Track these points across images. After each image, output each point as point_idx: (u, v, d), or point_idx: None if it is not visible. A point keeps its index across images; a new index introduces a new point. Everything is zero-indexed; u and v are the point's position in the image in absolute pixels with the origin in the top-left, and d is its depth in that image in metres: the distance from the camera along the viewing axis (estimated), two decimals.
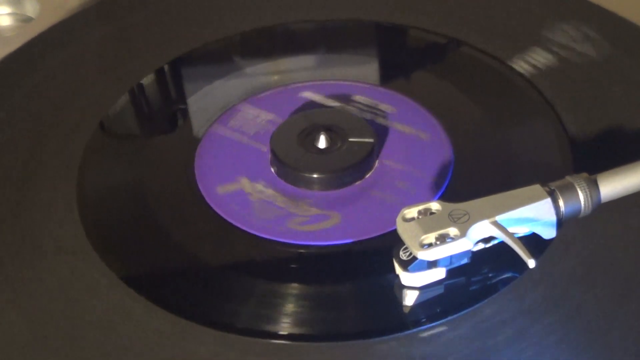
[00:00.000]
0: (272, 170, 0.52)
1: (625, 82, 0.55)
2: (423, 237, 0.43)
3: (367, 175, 0.51)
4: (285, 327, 0.44)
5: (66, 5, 0.68)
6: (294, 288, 0.46)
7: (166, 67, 0.61)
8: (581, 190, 0.44)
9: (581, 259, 0.45)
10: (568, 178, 0.45)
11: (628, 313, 0.43)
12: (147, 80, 0.60)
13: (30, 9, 0.70)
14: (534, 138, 0.53)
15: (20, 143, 0.55)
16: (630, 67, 0.56)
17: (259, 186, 0.51)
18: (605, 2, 0.60)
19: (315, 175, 0.51)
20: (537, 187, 0.45)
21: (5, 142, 0.55)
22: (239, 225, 0.49)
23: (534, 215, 0.44)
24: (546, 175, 0.46)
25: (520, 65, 0.57)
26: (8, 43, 0.64)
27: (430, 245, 0.43)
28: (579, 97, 0.55)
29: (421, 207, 0.45)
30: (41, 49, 0.62)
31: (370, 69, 0.61)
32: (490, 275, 0.45)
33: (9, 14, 0.70)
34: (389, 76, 0.60)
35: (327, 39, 0.63)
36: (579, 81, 0.56)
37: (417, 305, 0.44)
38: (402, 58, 0.63)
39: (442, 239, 0.43)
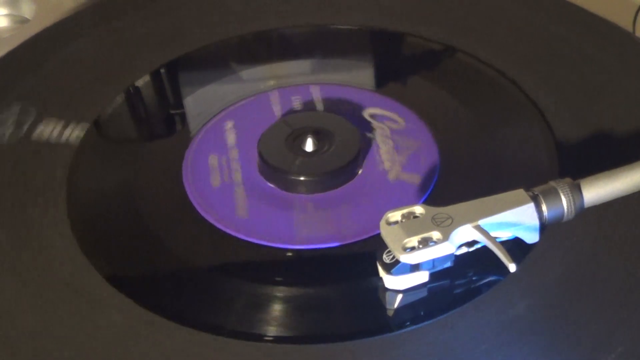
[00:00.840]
0: (259, 173, 0.52)
1: (613, 87, 0.56)
2: (406, 240, 0.43)
3: (353, 179, 0.52)
4: (271, 329, 0.44)
5: (62, 6, 0.69)
6: (280, 291, 0.46)
7: (161, 70, 0.61)
8: (564, 195, 0.45)
9: (563, 263, 0.45)
10: (551, 183, 0.45)
11: (610, 316, 0.43)
12: (142, 82, 0.60)
13: (27, 11, 0.70)
14: (521, 142, 0.54)
15: (13, 143, 0.55)
16: (618, 72, 0.56)
17: (247, 190, 0.52)
18: (594, 7, 0.61)
19: (302, 178, 0.51)
20: (520, 192, 0.45)
21: None
22: (226, 229, 0.49)
23: (517, 220, 0.44)
24: (533, 180, 0.46)
25: (508, 70, 0.58)
26: (4, 44, 0.64)
27: (413, 248, 0.43)
28: (566, 101, 0.55)
29: (405, 211, 0.45)
30: (37, 50, 0.62)
31: (360, 74, 0.61)
32: (473, 278, 0.45)
33: (5, 15, 0.71)
34: (377, 80, 0.61)
35: (322, 44, 0.64)
36: (567, 86, 0.56)
37: (400, 308, 0.45)
38: (389, 63, 0.63)
39: (425, 242, 0.43)
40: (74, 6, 0.69)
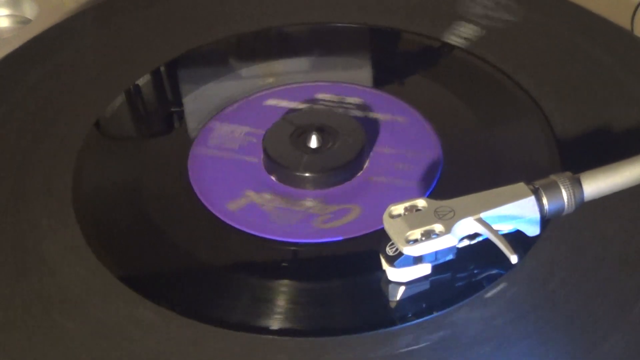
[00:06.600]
0: (265, 169, 0.53)
1: (612, 83, 0.56)
2: (409, 233, 0.44)
3: (357, 175, 0.52)
4: (275, 322, 0.45)
5: (64, 7, 0.69)
6: (283, 285, 0.47)
7: (162, 69, 0.62)
8: (565, 188, 0.45)
9: (565, 256, 0.46)
10: (552, 177, 0.46)
11: (611, 309, 0.43)
12: (143, 81, 0.61)
13: (28, 11, 0.70)
14: (522, 137, 0.54)
15: (17, 143, 0.55)
16: (616, 68, 0.57)
17: (256, 194, 0.52)
18: (592, 5, 0.61)
19: (307, 175, 0.51)
20: (521, 185, 0.45)
21: (1, 142, 0.55)
22: (232, 223, 0.50)
23: (518, 213, 0.45)
24: (534, 174, 0.47)
25: (508, 67, 0.58)
26: (6, 44, 0.64)
27: (415, 241, 0.44)
28: (566, 97, 0.56)
29: (407, 204, 0.45)
30: (39, 50, 0.63)
31: (361, 72, 0.62)
32: (475, 272, 0.46)
33: (7, 15, 0.71)
34: (378, 77, 0.61)
35: (321, 41, 0.64)
36: (566, 82, 0.57)
37: (403, 300, 0.45)
38: (391, 60, 0.63)
39: (428, 235, 0.44)
40: (76, 6, 0.69)
